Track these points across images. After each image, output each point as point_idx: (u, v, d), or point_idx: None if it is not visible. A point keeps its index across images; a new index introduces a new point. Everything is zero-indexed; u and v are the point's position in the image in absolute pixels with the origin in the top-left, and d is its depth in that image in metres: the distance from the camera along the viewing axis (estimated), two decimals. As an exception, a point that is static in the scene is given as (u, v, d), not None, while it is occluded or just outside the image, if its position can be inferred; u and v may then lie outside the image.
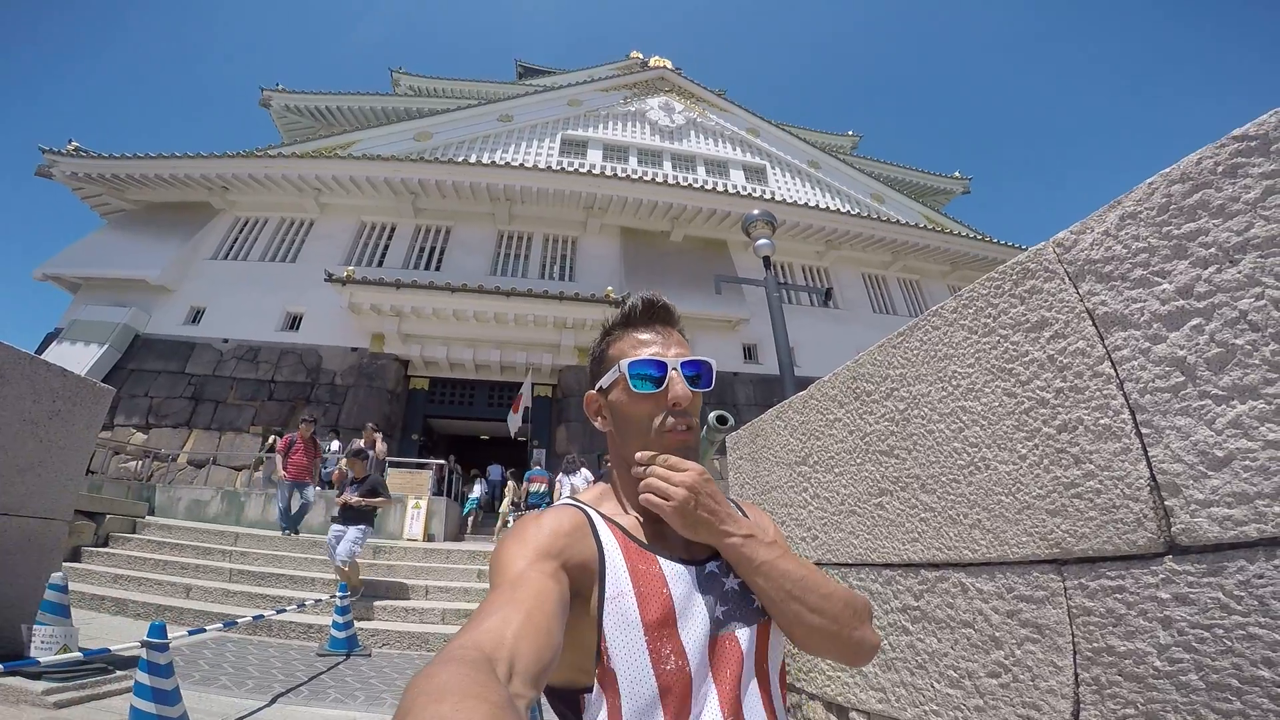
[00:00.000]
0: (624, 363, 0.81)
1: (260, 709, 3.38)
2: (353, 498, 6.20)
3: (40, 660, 2.53)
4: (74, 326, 13.54)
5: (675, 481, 0.76)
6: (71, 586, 3.61)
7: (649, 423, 0.80)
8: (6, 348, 3.47)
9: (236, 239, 16.17)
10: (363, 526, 6.20)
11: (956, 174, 26.20)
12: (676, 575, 0.75)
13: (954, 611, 1.67)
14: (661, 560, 0.76)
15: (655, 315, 0.86)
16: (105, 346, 13.15)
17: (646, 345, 0.83)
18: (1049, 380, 1.45)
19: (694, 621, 0.72)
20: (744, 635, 0.75)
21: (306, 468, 8.23)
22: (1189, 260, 1.19)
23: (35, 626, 3.21)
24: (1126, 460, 1.26)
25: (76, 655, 2.73)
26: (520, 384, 12.56)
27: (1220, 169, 1.18)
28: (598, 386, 0.87)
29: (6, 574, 3.47)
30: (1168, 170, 1.26)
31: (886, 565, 2.01)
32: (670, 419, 0.80)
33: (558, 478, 10.15)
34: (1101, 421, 1.32)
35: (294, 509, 8.31)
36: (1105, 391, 1.32)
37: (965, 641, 1.62)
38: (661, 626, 0.69)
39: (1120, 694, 1.28)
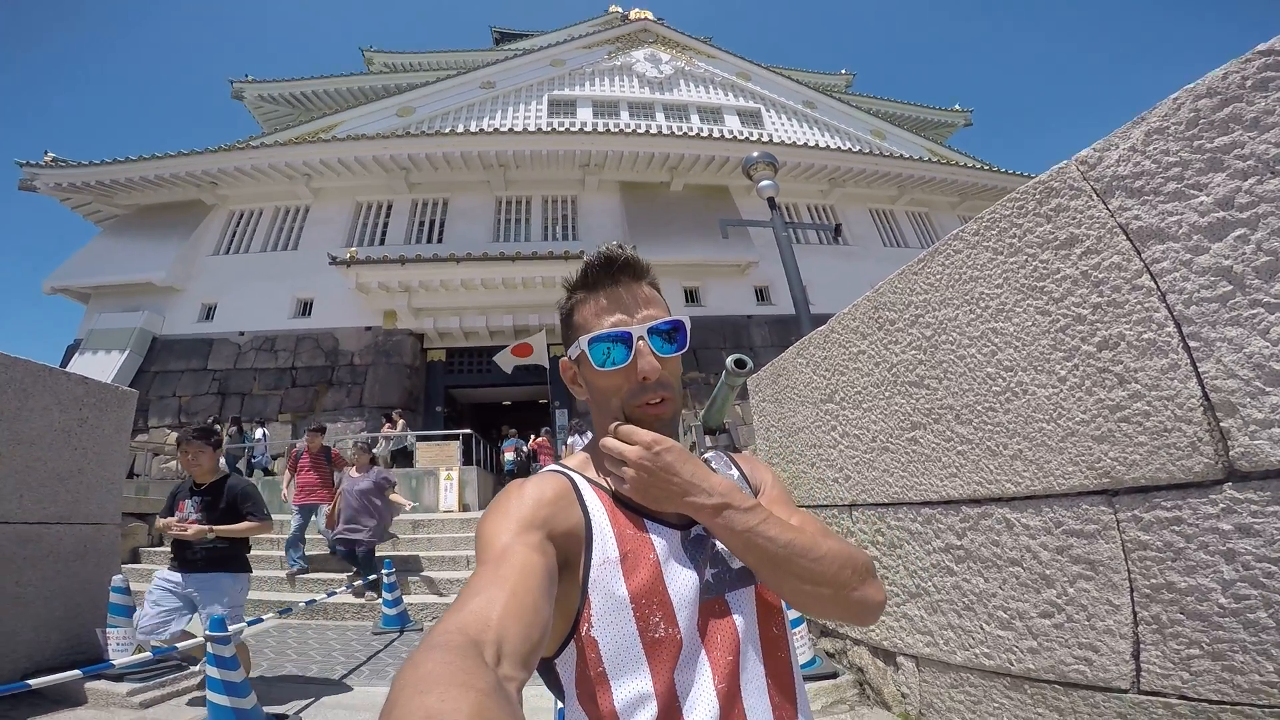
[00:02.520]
0: (584, 339, 0.75)
1: (327, 692, 3.52)
2: (189, 527, 3.20)
3: (115, 663, 2.63)
4: (92, 336, 13.67)
5: (625, 457, 0.71)
6: (134, 586, 3.73)
7: (621, 396, 0.75)
8: (25, 362, 3.52)
9: (235, 232, 16.06)
10: (234, 574, 3.36)
11: (957, 107, 25.24)
12: (665, 538, 0.72)
13: (1000, 549, 1.64)
14: (649, 522, 0.73)
15: (618, 272, 0.77)
16: (126, 352, 13.30)
17: (609, 313, 0.75)
18: (1084, 296, 1.38)
19: (681, 586, 0.69)
20: (736, 599, 0.72)
21: (318, 485, 6.62)
22: (1226, 173, 1.14)
23: (108, 630, 3.34)
24: (1175, 378, 1.21)
25: (146, 655, 2.84)
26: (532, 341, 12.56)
27: (1249, 83, 1.13)
28: (569, 355, 0.81)
29: (72, 581, 3.60)
30: (1192, 85, 1.20)
31: (925, 503, 1.98)
32: (641, 394, 0.74)
33: (569, 439, 10.31)
34: (1145, 336, 1.26)
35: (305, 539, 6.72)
36: (1147, 304, 1.26)
37: (1014, 580, 1.59)
38: (650, 593, 0.66)
39: (1183, 633, 1.23)
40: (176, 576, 3.28)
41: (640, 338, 0.73)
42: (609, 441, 0.73)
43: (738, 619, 0.70)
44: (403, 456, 11.25)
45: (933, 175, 17.78)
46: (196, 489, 3.43)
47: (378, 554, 6.08)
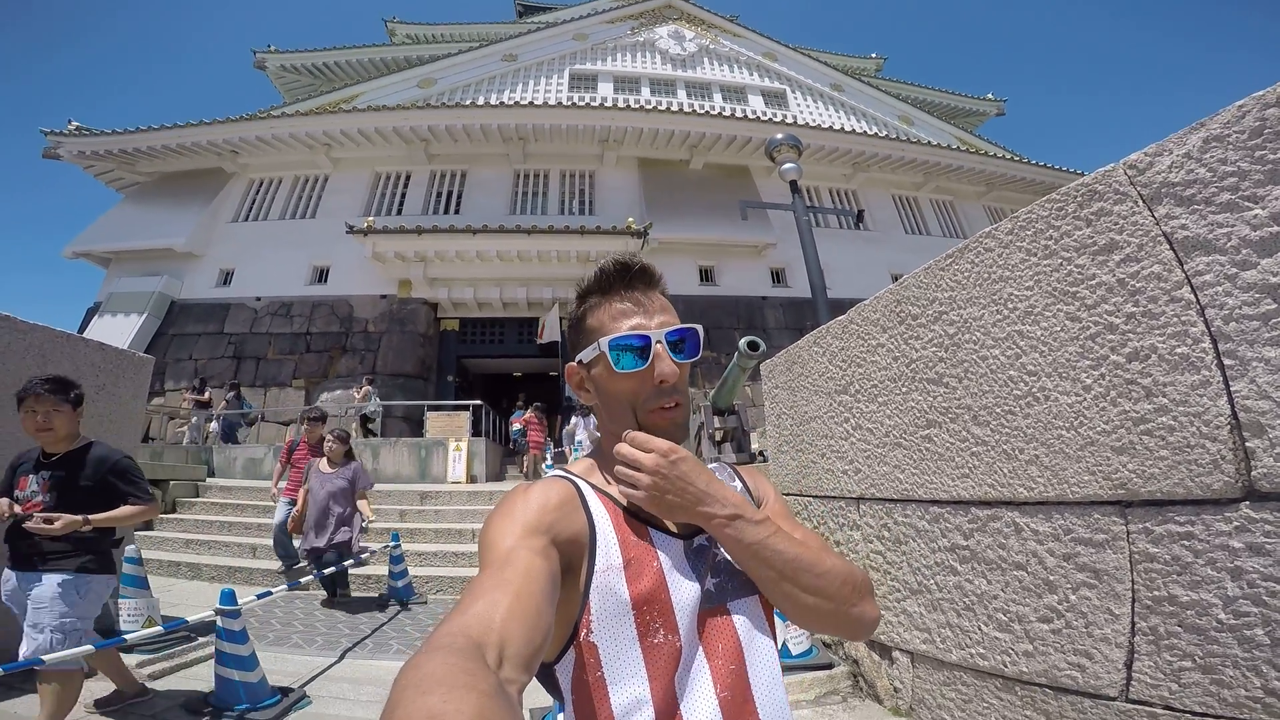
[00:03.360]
0: (604, 341, 0.75)
1: (331, 666, 3.57)
2: (58, 519, 2.34)
3: (126, 638, 2.65)
4: (112, 299, 13.88)
5: (640, 465, 0.70)
6: (146, 555, 3.75)
7: (634, 400, 0.75)
8: (44, 329, 3.55)
9: (254, 200, 16.15)
10: (96, 577, 2.50)
11: (989, 96, 24.59)
12: (669, 547, 0.72)
13: (1006, 552, 1.62)
14: (654, 531, 0.73)
15: (634, 278, 0.78)
16: (145, 315, 13.50)
17: (627, 316, 0.76)
18: (1118, 304, 1.34)
19: (683, 595, 0.69)
20: (739, 608, 0.72)
21: None
22: (1289, 185, 1.10)
23: (120, 600, 3.37)
24: (1205, 394, 1.18)
25: (159, 628, 2.87)
26: (548, 317, 12.67)
27: (1332, 87, 1.08)
28: (579, 359, 0.81)
29: (86, 550, 3.63)
30: (1261, 93, 1.14)
31: (934, 502, 1.96)
32: (657, 397, 0.74)
33: (574, 419, 10.32)
34: (1178, 350, 1.23)
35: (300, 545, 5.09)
36: (1184, 318, 1.22)
37: (1017, 584, 1.58)
38: (651, 601, 0.67)
39: (1178, 646, 1.24)
40: (14, 580, 2.42)
41: (659, 342, 0.74)
42: (624, 448, 0.72)
43: (740, 628, 0.71)
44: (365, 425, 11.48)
45: (960, 164, 17.44)
46: (46, 460, 2.50)
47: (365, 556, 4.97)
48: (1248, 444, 1.12)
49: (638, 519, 0.74)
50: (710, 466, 0.88)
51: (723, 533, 0.70)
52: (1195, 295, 1.20)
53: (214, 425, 11.31)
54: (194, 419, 11.38)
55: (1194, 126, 1.20)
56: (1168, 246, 1.24)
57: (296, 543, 5.13)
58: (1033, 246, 1.56)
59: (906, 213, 18.21)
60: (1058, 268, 1.49)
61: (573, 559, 0.67)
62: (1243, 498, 1.13)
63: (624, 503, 0.74)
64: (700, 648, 0.68)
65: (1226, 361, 1.15)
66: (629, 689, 0.63)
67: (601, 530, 0.70)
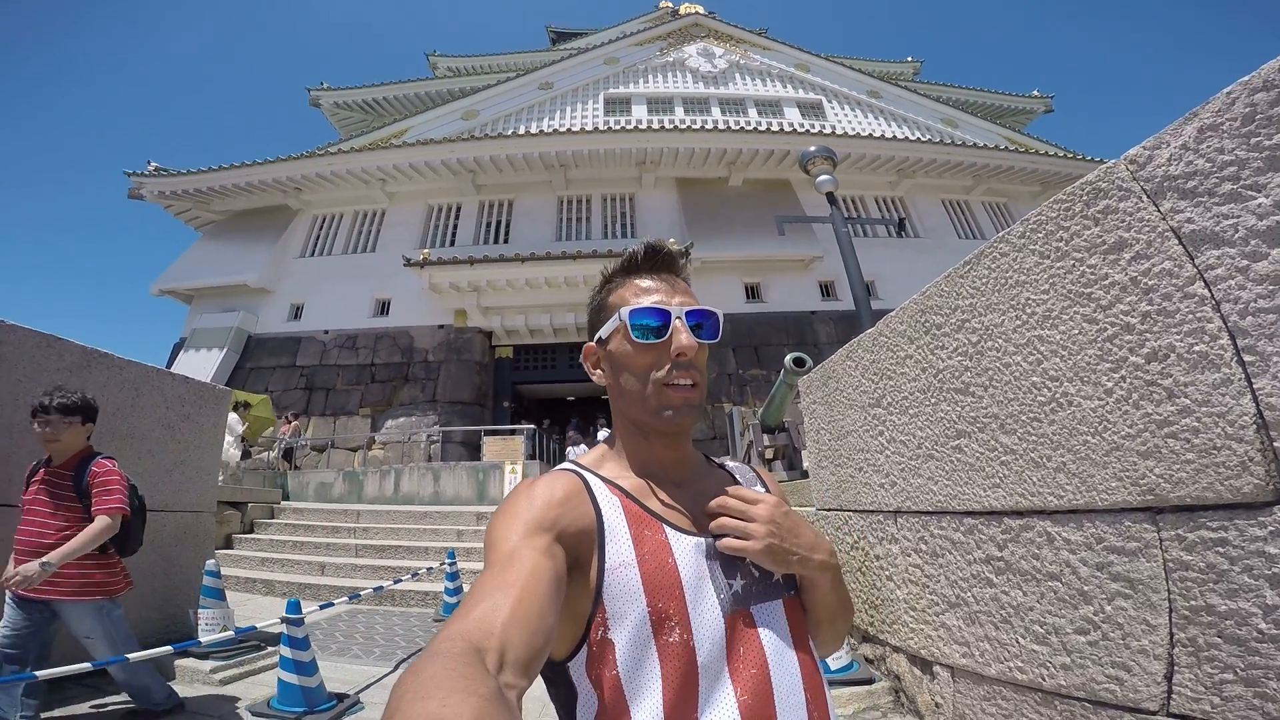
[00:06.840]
0: (624, 310, 0.75)
1: (386, 675, 3.74)
2: None
3: (201, 641, 2.90)
4: (195, 334, 14.98)
5: (753, 516, 0.71)
6: (225, 571, 4.03)
7: (649, 376, 0.74)
8: (137, 365, 3.92)
9: (318, 236, 17.17)
10: None
11: (1036, 93, 23.75)
12: (684, 546, 0.70)
13: (1040, 563, 1.58)
14: (669, 528, 0.71)
15: (659, 263, 0.80)
16: (225, 349, 14.49)
17: (649, 293, 0.77)
18: (1133, 304, 1.32)
19: (703, 596, 0.67)
20: (764, 612, 0.71)
21: (48, 541, 2.48)
22: (1286, 171, 1.07)
23: (199, 610, 3.68)
24: (1227, 393, 1.14)
25: (229, 634, 3.11)
26: None
27: (1312, 70, 1.05)
28: (596, 338, 0.81)
29: (171, 564, 3.99)
30: (1247, 78, 1.12)
31: (968, 513, 1.92)
32: (673, 371, 0.73)
33: (567, 450, 10.51)
34: (1196, 348, 1.20)
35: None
36: (1199, 314, 1.19)
37: (1052, 595, 1.54)
38: (667, 598, 0.65)
39: (1219, 657, 1.19)
40: None
41: (678, 316, 0.74)
42: (730, 501, 0.74)
43: (765, 633, 0.69)
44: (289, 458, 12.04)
45: (1010, 164, 16.89)
46: None
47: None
48: (1276, 444, 1.08)
49: (649, 513, 0.72)
50: (730, 466, 0.90)
51: (821, 575, 0.74)
52: (1209, 290, 1.17)
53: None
54: None
55: (1187, 117, 1.18)
56: (1176, 241, 1.22)
57: None
58: (1045, 249, 1.54)
59: (958, 217, 17.67)
60: (1070, 269, 1.46)
61: (581, 554, 0.65)
62: (1275, 500, 1.09)
63: (639, 498, 0.73)
64: (723, 651, 0.66)
65: (1247, 358, 1.11)
66: (643, 687, 0.62)
67: (611, 523, 0.69)
